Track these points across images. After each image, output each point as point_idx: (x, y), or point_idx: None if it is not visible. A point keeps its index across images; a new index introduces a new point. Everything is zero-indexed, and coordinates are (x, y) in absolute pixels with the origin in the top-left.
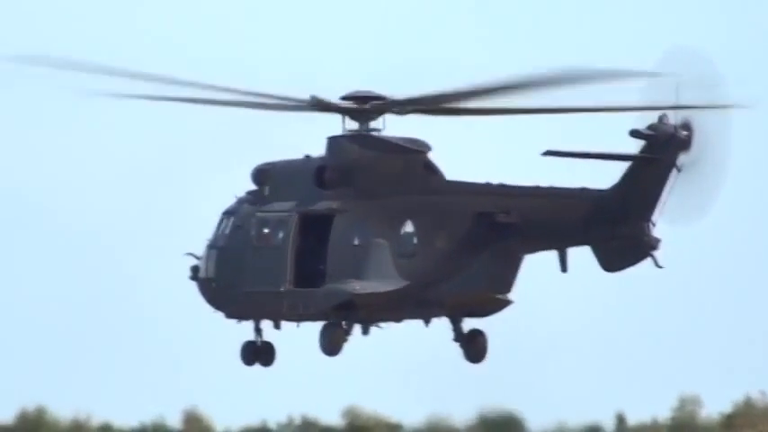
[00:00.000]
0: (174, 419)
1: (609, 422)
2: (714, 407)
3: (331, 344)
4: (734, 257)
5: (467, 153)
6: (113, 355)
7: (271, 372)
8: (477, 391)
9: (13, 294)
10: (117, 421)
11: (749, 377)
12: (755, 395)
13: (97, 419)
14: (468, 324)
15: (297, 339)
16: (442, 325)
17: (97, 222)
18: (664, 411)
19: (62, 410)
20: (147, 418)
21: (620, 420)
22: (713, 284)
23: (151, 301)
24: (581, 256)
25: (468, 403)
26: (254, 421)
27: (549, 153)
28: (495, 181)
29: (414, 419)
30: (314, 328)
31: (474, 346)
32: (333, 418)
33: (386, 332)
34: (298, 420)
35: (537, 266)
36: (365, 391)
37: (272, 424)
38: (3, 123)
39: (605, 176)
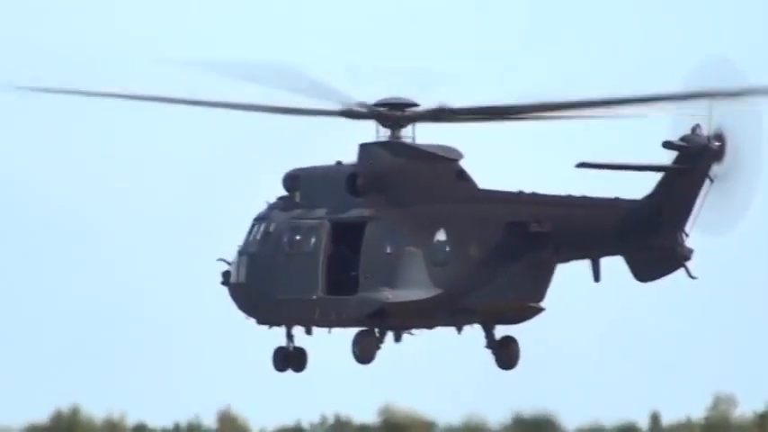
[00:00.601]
0: (209, 420)
1: (643, 421)
2: (748, 406)
3: (364, 351)
4: (766, 266)
5: (499, 161)
6: (149, 356)
7: (306, 371)
8: (512, 391)
9: (49, 297)
10: (152, 421)
11: None
12: None
13: (132, 419)
14: (501, 331)
15: (331, 338)
16: (476, 328)
17: (132, 228)
18: (698, 411)
19: (96, 411)
20: (182, 418)
21: (655, 419)
22: (746, 293)
23: (187, 303)
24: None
25: (503, 403)
26: (289, 421)
27: (582, 165)
28: (527, 190)
29: (449, 418)
30: (348, 328)
31: (506, 353)
32: (368, 416)
33: (422, 333)
34: (332, 420)
35: (571, 274)
36: (400, 390)
37: (306, 424)
38: (38, 130)
39: (639, 187)
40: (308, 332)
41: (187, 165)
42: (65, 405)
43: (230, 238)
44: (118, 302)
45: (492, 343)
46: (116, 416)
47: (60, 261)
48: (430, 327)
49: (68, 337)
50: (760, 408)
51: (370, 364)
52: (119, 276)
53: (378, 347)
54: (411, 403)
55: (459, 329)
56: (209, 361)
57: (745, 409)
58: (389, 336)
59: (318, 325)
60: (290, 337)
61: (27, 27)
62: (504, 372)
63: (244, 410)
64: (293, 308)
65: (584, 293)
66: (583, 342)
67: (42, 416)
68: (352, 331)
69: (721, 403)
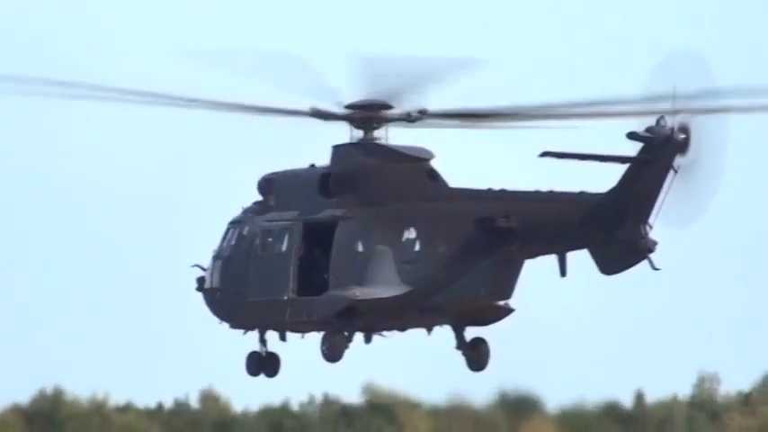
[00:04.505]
0: (193, 400)
1: (628, 400)
2: (732, 385)
3: (332, 350)
4: (732, 257)
5: (472, 160)
6: (132, 337)
7: (288, 353)
8: (496, 371)
9: (32, 279)
10: (136, 402)
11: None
12: None
13: (115, 400)
14: (471, 332)
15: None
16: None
17: (110, 219)
18: (683, 390)
19: (80, 391)
20: (167, 398)
21: (639, 398)
22: (713, 285)
23: (169, 284)
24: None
25: (486, 383)
26: (274, 401)
27: (546, 154)
28: (496, 187)
29: (433, 398)
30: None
31: (476, 354)
32: (351, 396)
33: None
34: (317, 399)
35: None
36: (384, 370)
37: (293, 404)
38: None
39: (605, 180)
40: (282, 338)
41: (164, 169)
42: (48, 386)
43: (207, 241)
44: (100, 285)
45: (462, 344)
46: (100, 396)
47: (44, 246)
48: (401, 328)
49: (52, 319)
50: (743, 387)
51: (337, 363)
52: (101, 262)
53: (346, 346)
54: (395, 383)
55: (430, 330)
56: (192, 341)
57: (728, 388)
58: (360, 337)
59: (290, 327)
60: (263, 341)
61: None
62: (474, 373)
63: (227, 389)
64: (265, 309)
65: (562, 283)
66: (566, 322)
67: (25, 397)
68: None
69: (706, 382)
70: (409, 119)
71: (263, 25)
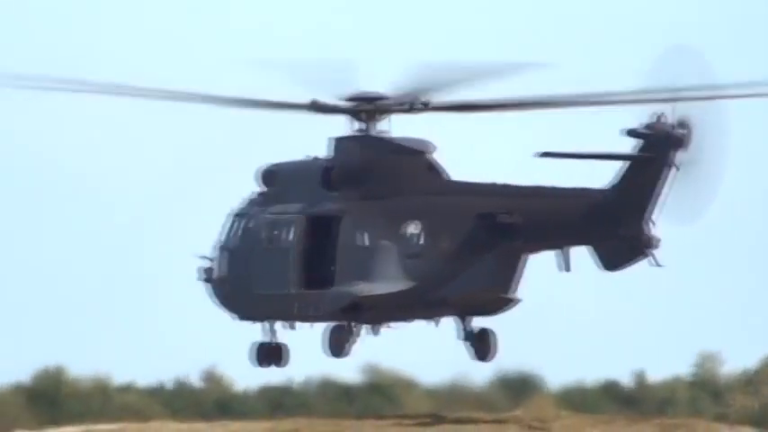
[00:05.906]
0: (194, 379)
1: (627, 380)
2: (736, 364)
3: (337, 345)
4: (736, 242)
5: (472, 153)
6: (136, 316)
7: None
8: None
9: (35, 256)
10: (138, 380)
11: None
12: None
13: (118, 379)
14: (477, 323)
15: None
16: None
17: (114, 210)
18: (683, 369)
19: (82, 370)
20: (168, 377)
21: (640, 377)
22: (716, 267)
23: (175, 263)
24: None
25: (487, 363)
26: (275, 381)
27: (544, 155)
28: (499, 181)
29: (433, 379)
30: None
31: (483, 345)
32: (352, 376)
33: (400, 326)
34: (315, 379)
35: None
36: (385, 351)
37: (293, 383)
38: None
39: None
40: (291, 327)
41: (163, 161)
42: (50, 365)
43: (205, 233)
44: (105, 266)
45: (468, 335)
46: (102, 375)
47: (49, 226)
48: (407, 320)
49: (54, 298)
50: (748, 365)
51: (344, 358)
52: (105, 243)
53: (352, 341)
54: (395, 363)
55: (436, 322)
56: (195, 320)
57: (732, 367)
58: (368, 329)
59: (298, 319)
60: (272, 332)
61: None
62: (480, 363)
63: (228, 370)
64: (273, 303)
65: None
66: (568, 302)
67: (27, 376)
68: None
69: (707, 362)
70: (410, 110)
71: (264, 20)
